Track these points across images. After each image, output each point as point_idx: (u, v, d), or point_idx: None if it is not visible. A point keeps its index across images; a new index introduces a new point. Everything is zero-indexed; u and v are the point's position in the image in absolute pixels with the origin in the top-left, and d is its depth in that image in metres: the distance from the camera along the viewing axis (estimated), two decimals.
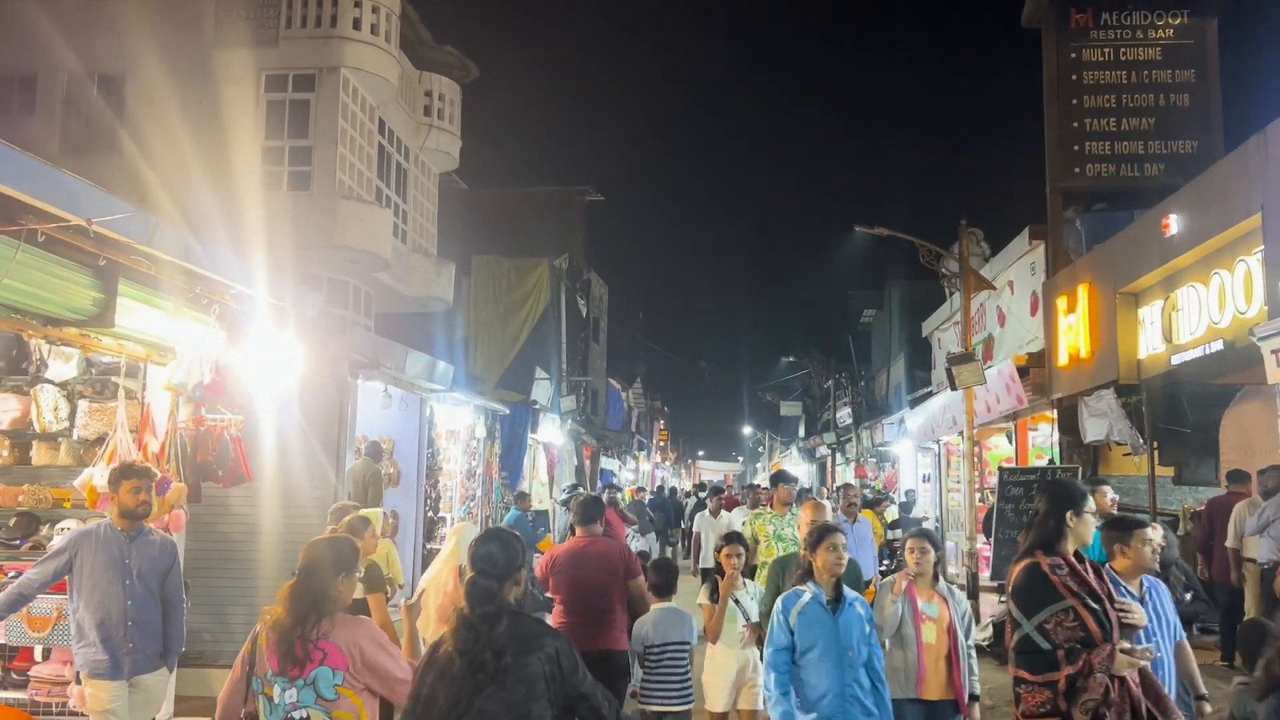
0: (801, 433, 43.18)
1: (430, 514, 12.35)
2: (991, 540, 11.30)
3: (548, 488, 18.66)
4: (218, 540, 9.02)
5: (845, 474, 30.72)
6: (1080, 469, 11.13)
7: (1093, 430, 11.53)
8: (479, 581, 3.13)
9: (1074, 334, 11.30)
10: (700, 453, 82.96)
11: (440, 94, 21.33)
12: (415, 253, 20.94)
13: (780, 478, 8.46)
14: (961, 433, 17.06)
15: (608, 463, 31.36)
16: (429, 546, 12.29)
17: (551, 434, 18.02)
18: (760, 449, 63.80)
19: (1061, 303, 11.71)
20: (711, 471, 63.77)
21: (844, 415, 30.53)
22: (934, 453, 19.65)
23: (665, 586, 6.03)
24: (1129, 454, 11.16)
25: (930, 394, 21.85)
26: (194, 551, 8.86)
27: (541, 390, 18.64)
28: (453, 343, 26.51)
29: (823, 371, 33.93)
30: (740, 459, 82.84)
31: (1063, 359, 11.75)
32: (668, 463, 58.32)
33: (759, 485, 13.21)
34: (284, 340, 7.04)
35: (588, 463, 25.70)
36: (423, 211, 21.73)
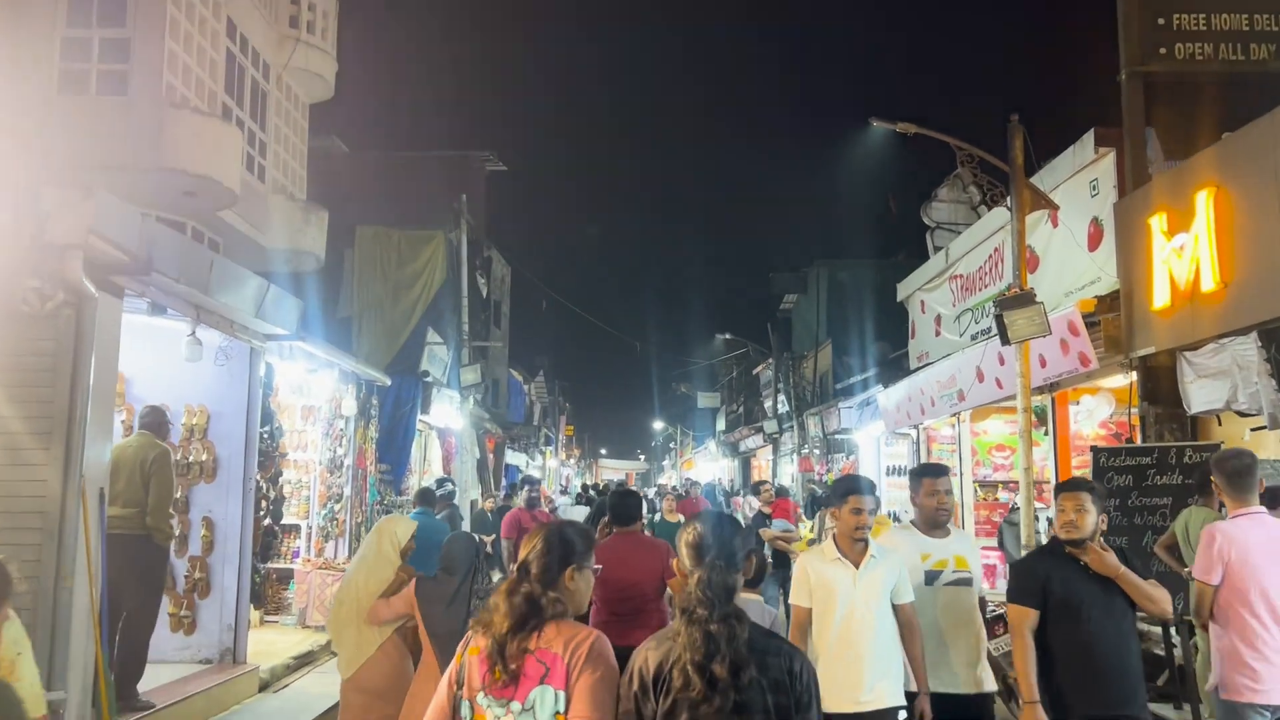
0: (721, 425, 39.94)
1: (269, 521, 8.42)
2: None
3: None
4: None
5: (781, 469, 27.52)
6: (1222, 445, 7.92)
7: (1201, 396, 8.36)
8: (715, 576, 2.55)
9: (1188, 261, 8.07)
10: (603, 450, 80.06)
11: (310, 2, 17.27)
12: (277, 194, 16.80)
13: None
14: (959, 415, 13.94)
15: (514, 457, 27.50)
16: (266, 569, 8.35)
17: (449, 416, 14.16)
18: (671, 445, 60.51)
19: (1158, 221, 8.49)
20: (614, 470, 60.56)
21: (779, 403, 27.32)
22: (910, 440, 16.45)
23: (752, 579, 5.51)
24: (1262, 428, 7.97)
25: (872, 374, 18.98)
26: None
27: (435, 360, 14.73)
28: (331, 311, 22.59)
29: (756, 355, 30.67)
30: (643, 456, 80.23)
31: (1161, 299, 8.53)
32: (572, 460, 54.63)
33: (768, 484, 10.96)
34: None
35: (491, 456, 21.83)
36: (288, 146, 17.58)
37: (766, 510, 11.28)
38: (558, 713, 2.62)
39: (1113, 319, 9.45)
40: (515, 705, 2.64)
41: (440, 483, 9.01)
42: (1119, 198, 9.58)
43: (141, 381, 8.01)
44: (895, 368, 18.11)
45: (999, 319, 9.08)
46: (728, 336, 30.10)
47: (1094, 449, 8.54)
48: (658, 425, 62.90)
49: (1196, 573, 4.42)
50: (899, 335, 18.55)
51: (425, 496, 8.16)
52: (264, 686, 8.00)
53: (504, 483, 21.91)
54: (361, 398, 10.86)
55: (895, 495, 17.51)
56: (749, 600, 5.50)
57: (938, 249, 15.32)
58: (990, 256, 12.74)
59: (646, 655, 2.57)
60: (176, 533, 7.91)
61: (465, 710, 2.72)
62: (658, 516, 12.00)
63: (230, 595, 7.81)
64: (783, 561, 10.10)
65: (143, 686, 6.93)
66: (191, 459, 7.88)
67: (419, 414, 12.73)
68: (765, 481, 13.53)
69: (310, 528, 10.51)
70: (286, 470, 10.91)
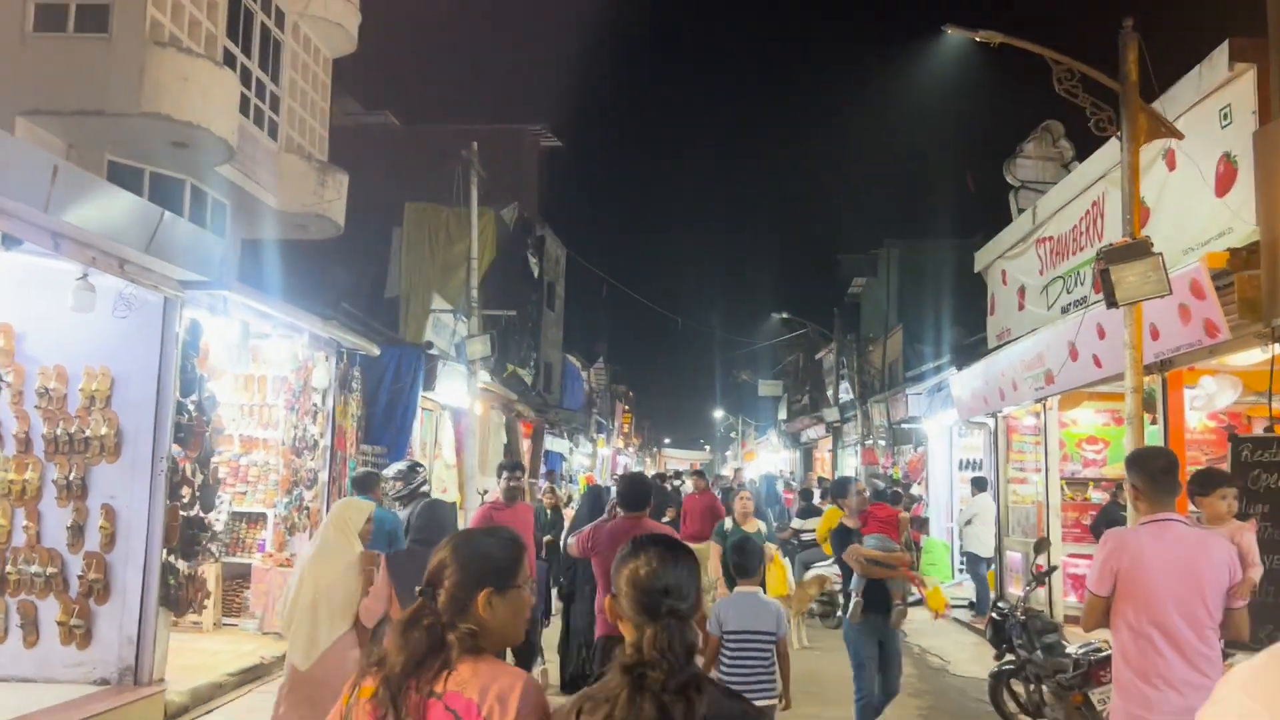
0: (783, 414, 38.01)
1: (196, 511, 6.95)
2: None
3: (455, 471, 13.30)
4: None
5: (843, 461, 25.62)
6: None
7: None
8: (676, 628, 2.01)
9: None
10: (666, 440, 78.80)
11: None
12: (290, 153, 15.48)
13: None
14: (1045, 401, 11.99)
15: (555, 443, 26.00)
16: (188, 570, 6.88)
17: (459, 394, 12.65)
18: (733, 434, 58.69)
19: None
20: (678, 460, 59.14)
21: (841, 391, 25.42)
22: (987, 430, 14.53)
23: (745, 568, 5.45)
24: None
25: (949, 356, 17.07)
26: None
27: (441, 330, 13.22)
28: (379, 291, 21.49)
29: (819, 337, 28.70)
30: (707, 447, 78.77)
31: None
32: (631, 448, 53.17)
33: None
34: None
35: (527, 442, 20.33)
36: (305, 102, 16.25)
37: (851, 523, 7.14)
38: None
39: (1249, 277, 7.48)
40: None
41: (413, 469, 7.45)
42: (1260, 125, 7.62)
43: (35, 337, 6.62)
44: (972, 354, 16.16)
45: (1104, 275, 7.27)
46: (785, 316, 28.15)
47: (1234, 437, 6.66)
48: (719, 414, 61.12)
49: (1087, 581, 3.95)
50: (977, 320, 16.58)
51: (364, 483, 6.61)
52: (178, 713, 6.54)
53: (542, 470, 20.43)
54: (341, 369, 9.37)
55: (964, 491, 15.62)
56: (745, 593, 5.31)
57: (1022, 211, 13.36)
58: (1087, 213, 10.78)
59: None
60: (70, 522, 6.50)
61: None
62: (728, 523, 9.45)
63: (134, 600, 6.36)
64: (879, 596, 6.62)
65: (9, 713, 5.53)
66: (89, 433, 6.44)
67: (420, 390, 11.22)
68: (853, 478, 9.37)
69: (275, 516, 9.07)
70: (254, 451, 9.54)
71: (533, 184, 33.28)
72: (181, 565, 6.74)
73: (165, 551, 6.54)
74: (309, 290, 13.80)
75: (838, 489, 8.71)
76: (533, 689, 2.11)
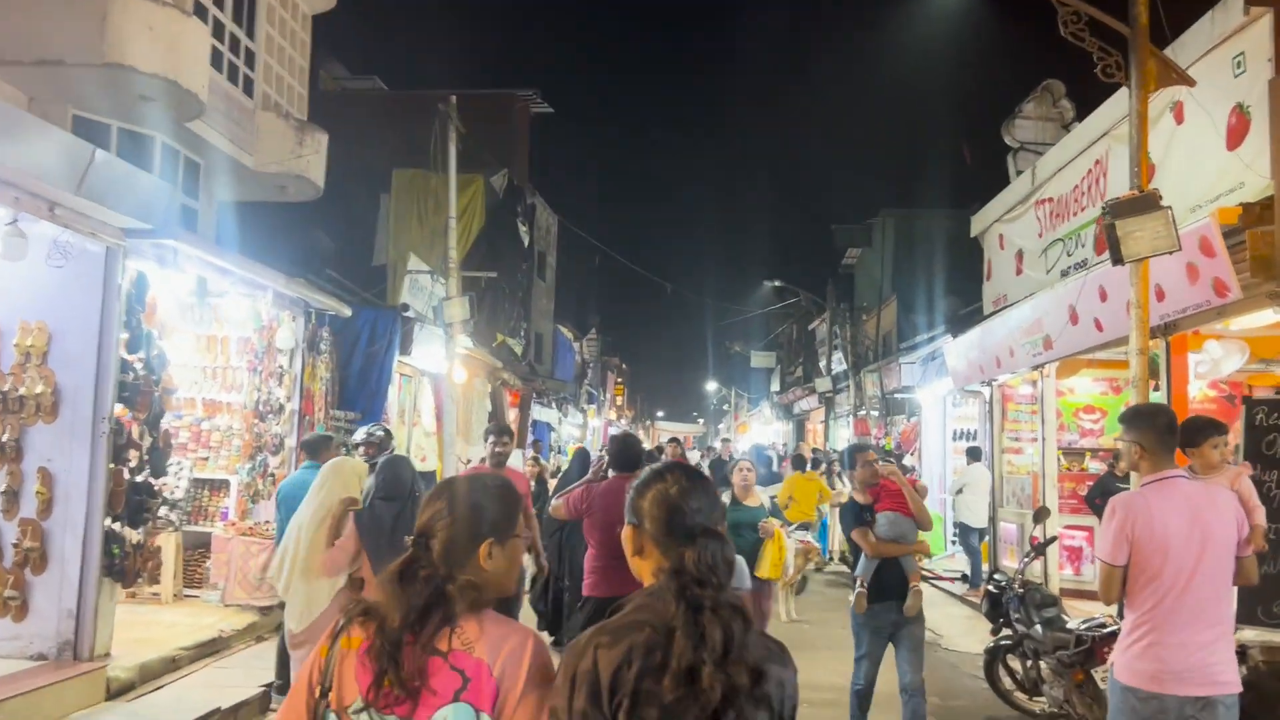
0: (776, 386, 37.68)
1: (144, 476, 6.54)
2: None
3: (435, 439, 12.89)
4: None
5: (836, 432, 25.29)
6: None
7: None
8: (716, 545, 1.97)
9: None
10: (659, 413, 78.66)
11: None
12: (266, 111, 14.95)
13: None
14: (1043, 368, 11.61)
15: (544, 413, 25.61)
16: (136, 539, 6.48)
17: (438, 359, 12.22)
18: (726, 407, 58.41)
19: None
20: (670, 432, 58.90)
21: (834, 361, 25.03)
22: (982, 399, 14.18)
23: None
24: None
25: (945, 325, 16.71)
26: None
27: (419, 291, 12.78)
28: (365, 258, 21.03)
29: (813, 306, 28.26)
30: (701, 420, 78.76)
31: None
32: (623, 420, 52.88)
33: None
34: None
35: (514, 411, 19.94)
36: (282, 59, 15.71)
37: (863, 498, 6.19)
38: None
39: (1262, 234, 7.09)
40: None
41: (388, 434, 7.04)
42: (1275, 73, 7.20)
43: None
44: (967, 324, 15.77)
45: (1110, 230, 6.83)
46: (778, 284, 27.73)
47: (1247, 400, 6.29)
48: (712, 387, 60.85)
49: (1100, 552, 3.81)
50: (973, 291, 16.17)
51: (314, 446, 6.20)
52: (123, 689, 6.16)
53: (529, 439, 20.06)
54: (309, 330, 8.94)
55: (958, 462, 15.29)
56: None
57: (1020, 173, 12.93)
58: (1089, 172, 10.36)
59: (596, 654, 1.84)
60: (4, 487, 6.09)
61: None
62: (725, 498, 8.61)
63: (73, 570, 5.98)
64: (892, 580, 5.88)
65: None
66: (24, 392, 6.02)
67: (397, 354, 10.79)
68: (867, 445, 7.92)
69: (238, 480, 8.67)
70: (218, 415, 9.13)
71: (523, 151, 32.72)
72: (128, 533, 6.35)
73: (109, 519, 6.15)
74: (294, 256, 13.38)
75: (845, 459, 7.61)
76: (542, 647, 2.04)
